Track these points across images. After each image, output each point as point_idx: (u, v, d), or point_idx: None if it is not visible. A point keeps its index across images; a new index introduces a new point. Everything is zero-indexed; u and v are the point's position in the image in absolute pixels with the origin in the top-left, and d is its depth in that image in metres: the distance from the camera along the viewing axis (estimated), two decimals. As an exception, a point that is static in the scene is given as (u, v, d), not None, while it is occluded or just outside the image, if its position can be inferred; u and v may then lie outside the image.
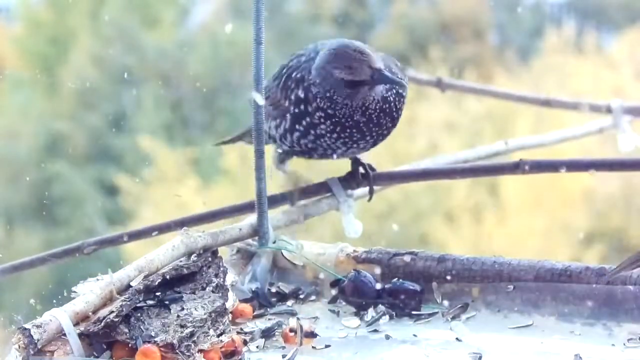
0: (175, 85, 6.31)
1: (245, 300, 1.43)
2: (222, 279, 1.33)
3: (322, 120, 1.55)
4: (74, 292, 1.26)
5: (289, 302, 1.46)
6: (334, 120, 1.54)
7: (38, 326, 1.18)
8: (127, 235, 1.72)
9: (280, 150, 1.63)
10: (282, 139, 1.60)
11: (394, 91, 1.55)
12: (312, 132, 1.57)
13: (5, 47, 6.43)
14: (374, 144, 1.59)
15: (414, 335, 1.35)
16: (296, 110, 1.57)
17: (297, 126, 1.58)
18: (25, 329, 1.17)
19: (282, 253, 1.52)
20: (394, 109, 1.56)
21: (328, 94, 1.53)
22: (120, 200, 5.90)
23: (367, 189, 1.68)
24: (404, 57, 6.14)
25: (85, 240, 1.72)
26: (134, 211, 5.82)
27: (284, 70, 1.61)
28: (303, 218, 1.62)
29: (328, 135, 1.56)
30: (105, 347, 1.22)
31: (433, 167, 1.77)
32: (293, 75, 1.58)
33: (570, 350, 1.26)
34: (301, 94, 1.57)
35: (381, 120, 1.55)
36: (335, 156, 1.61)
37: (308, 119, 1.56)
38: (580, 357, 1.22)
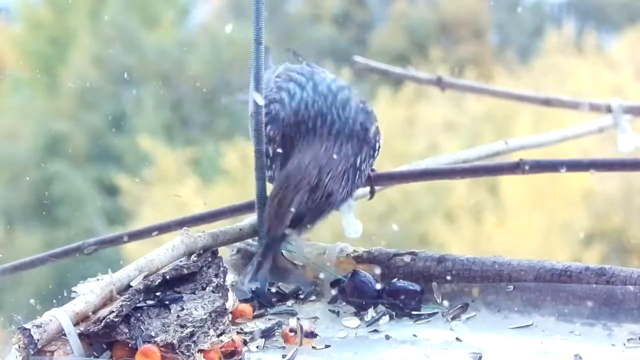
0: (175, 85, 6.32)
1: (245, 300, 1.43)
2: (222, 279, 1.33)
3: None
4: (74, 292, 1.26)
5: (289, 302, 1.46)
6: None
7: (38, 326, 1.18)
8: (127, 236, 1.73)
9: None
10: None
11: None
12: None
13: (5, 47, 6.42)
14: None
15: (414, 336, 1.35)
16: (268, 162, 1.51)
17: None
18: (25, 329, 1.17)
19: (282, 253, 1.52)
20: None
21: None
22: (120, 200, 5.90)
23: (367, 189, 1.68)
24: (404, 57, 6.15)
25: (85, 241, 1.72)
26: (134, 211, 5.82)
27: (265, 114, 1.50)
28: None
29: None
30: (105, 347, 1.22)
31: (433, 167, 1.77)
32: (268, 128, 1.49)
33: (570, 350, 1.26)
34: (270, 151, 1.49)
35: None
36: None
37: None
38: (580, 357, 1.22)
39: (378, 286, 1.43)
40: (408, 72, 2.28)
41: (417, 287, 1.42)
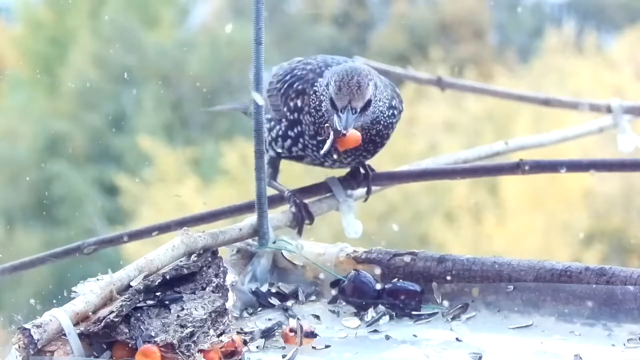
0: (175, 85, 6.32)
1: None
2: (222, 279, 1.33)
3: (308, 126, 1.56)
4: (74, 292, 1.26)
5: (289, 302, 1.46)
6: (315, 126, 1.56)
7: (38, 326, 1.18)
8: (127, 236, 1.73)
9: (268, 157, 1.63)
10: (273, 143, 1.61)
11: (383, 119, 1.55)
12: (302, 140, 1.58)
13: (5, 47, 6.43)
14: (367, 157, 1.60)
15: (414, 336, 1.35)
16: (292, 117, 1.58)
17: (289, 132, 1.59)
18: (25, 329, 1.17)
19: (282, 253, 1.52)
20: (376, 134, 1.56)
21: (322, 97, 1.54)
22: (120, 200, 5.90)
23: (365, 189, 1.68)
24: (404, 57, 6.15)
25: (85, 240, 1.72)
26: (134, 211, 5.82)
27: (288, 77, 1.61)
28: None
29: (311, 145, 1.57)
30: (105, 347, 1.22)
31: (433, 167, 1.77)
32: (295, 85, 1.59)
33: (570, 350, 1.26)
34: (299, 103, 1.57)
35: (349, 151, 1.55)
36: (326, 165, 1.62)
37: (300, 127, 1.57)
38: (580, 357, 1.22)
39: (378, 286, 1.43)
40: (408, 72, 2.28)
41: (417, 287, 1.42)
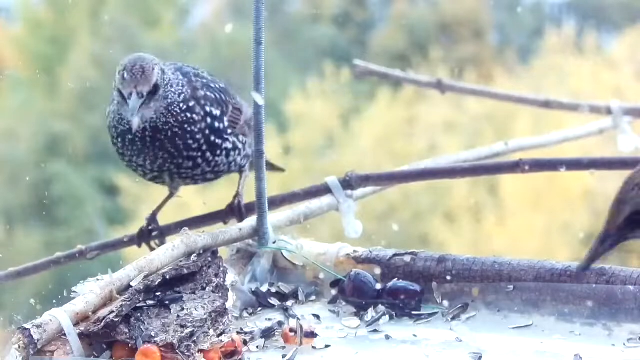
0: (175, 85, 6.30)
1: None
2: (222, 279, 1.33)
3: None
4: (74, 292, 1.26)
5: (289, 302, 1.46)
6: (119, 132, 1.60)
7: (38, 326, 1.18)
8: (127, 237, 1.73)
9: None
10: None
11: (176, 123, 1.56)
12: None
13: (5, 47, 6.42)
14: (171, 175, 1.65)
15: (414, 336, 1.35)
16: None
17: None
18: (25, 329, 1.17)
19: (282, 253, 1.52)
20: (172, 141, 1.57)
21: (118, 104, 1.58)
22: (120, 200, 5.89)
23: (368, 189, 1.68)
24: (404, 57, 6.15)
25: (88, 245, 1.72)
26: (134, 211, 5.81)
27: None
28: (303, 218, 1.62)
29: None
30: (105, 347, 1.22)
31: (433, 167, 1.77)
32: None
33: (570, 350, 1.26)
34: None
35: (155, 149, 1.59)
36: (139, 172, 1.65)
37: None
38: (580, 357, 1.22)
39: (378, 286, 1.43)
40: (408, 75, 2.28)
41: (417, 287, 1.42)
